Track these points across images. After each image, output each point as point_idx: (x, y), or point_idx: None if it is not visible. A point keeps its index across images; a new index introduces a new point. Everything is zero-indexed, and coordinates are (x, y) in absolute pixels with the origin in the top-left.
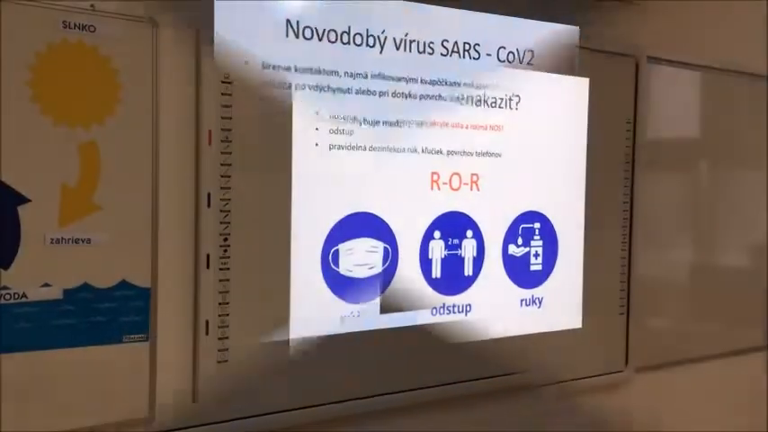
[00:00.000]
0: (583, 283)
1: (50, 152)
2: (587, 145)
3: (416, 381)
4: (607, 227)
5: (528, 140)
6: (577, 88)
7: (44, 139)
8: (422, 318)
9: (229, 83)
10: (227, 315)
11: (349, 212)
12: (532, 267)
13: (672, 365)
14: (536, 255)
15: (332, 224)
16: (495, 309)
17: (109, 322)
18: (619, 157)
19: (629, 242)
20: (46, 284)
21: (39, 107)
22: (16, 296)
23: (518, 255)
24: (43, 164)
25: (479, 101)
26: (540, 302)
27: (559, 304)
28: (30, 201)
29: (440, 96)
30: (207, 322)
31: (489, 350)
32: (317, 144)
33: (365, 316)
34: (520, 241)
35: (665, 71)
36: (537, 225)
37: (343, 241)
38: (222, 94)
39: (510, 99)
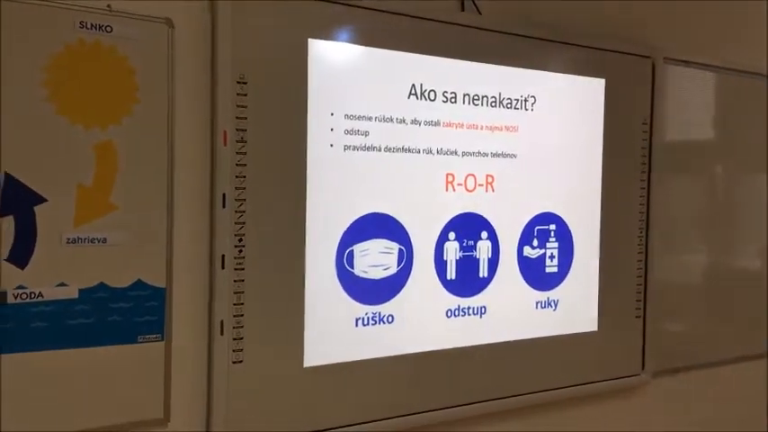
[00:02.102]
0: (599, 286)
1: (67, 152)
2: (603, 146)
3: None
4: (623, 229)
5: (543, 141)
6: (593, 89)
7: (60, 139)
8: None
9: (245, 83)
10: (242, 315)
11: (364, 213)
12: (548, 269)
13: (689, 369)
14: (551, 257)
15: (347, 225)
16: (510, 311)
17: (124, 322)
18: (635, 159)
19: (645, 244)
20: (62, 284)
21: (55, 107)
22: (32, 295)
23: (533, 256)
24: (59, 164)
25: (495, 102)
26: (555, 305)
27: (575, 307)
28: (46, 200)
29: (455, 97)
30: (222, 322)
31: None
32: (331, 145)
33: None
34: (535, 243)
35: (682, 72)
36: (552, 227)
37: (358, 242)
38: (237, 94)
39: (525, 100)
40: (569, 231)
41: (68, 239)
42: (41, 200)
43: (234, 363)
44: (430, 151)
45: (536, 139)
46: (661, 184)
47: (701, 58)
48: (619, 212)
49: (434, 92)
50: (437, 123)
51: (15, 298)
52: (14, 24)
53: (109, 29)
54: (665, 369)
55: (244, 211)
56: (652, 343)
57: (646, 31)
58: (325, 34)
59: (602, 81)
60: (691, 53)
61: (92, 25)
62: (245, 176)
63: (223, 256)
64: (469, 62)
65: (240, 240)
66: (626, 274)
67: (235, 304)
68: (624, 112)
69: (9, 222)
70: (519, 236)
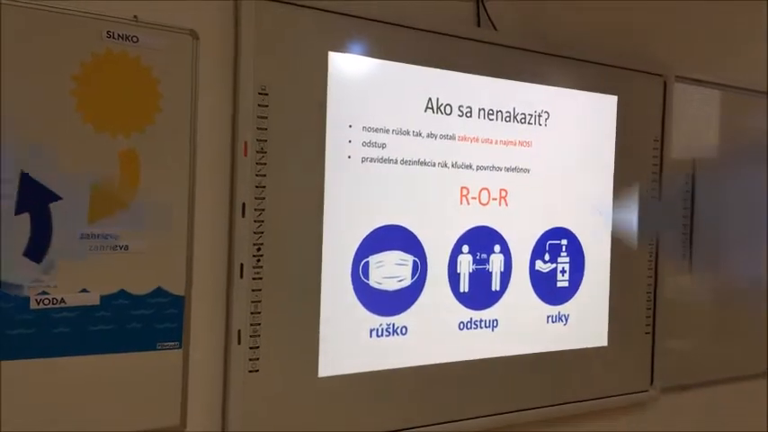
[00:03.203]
0: (609, 301)
1: (90, 158)
2: (615, 162)
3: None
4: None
5: (556, 156)
6: (606, 106)
7: (85, 145)
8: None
9: (266, 94)
10: (259, 325)
11: (379, 225)
12: (559, 284)
13: (698, 386)
14: (563, 271)
15: (363, 236)
16: (521, 325)
17: (144, 329)
18: (646, 176)
19: (655, 260)
20: (84, 290)
21: (82, 115)
22: (55, 301)
23: (545, 271)
24: (82, 169)
25: (509, 117)
26: (566, 319)
27: (585, 321)
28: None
29: (470, 112)
30: (239, 332)
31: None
32: (349, 156)
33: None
34: (547, 257)
35: (694, 90)
36: (564, 242)
37: (374, 253)
38: (259, 105)
39: (539, 115)
40: (581, 246)
41: (91, 247)
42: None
43: (250, 372)
44: (445, 164)
45: (549, 154)
46: (672, 202)
47: (713, 77)
48: (629, 229)
49: (450, 106)
50: (452, 137)
51: (38, 303)
52: (45, 33)
53: (135, 39)
54: (674, 385)
55: (263, 221)
56: (661, 359)
57: (658, 49)
58: (345, 47)
59: (615, 98)
60: (702, 72)
61: (119, 35)
62: (264, 186)
63: (242, 265)
64: (485, 77)
65: (258, 250)
66: (636, 289)
67: (252, 313)
68: (636, 128)
69: (25, 220)
70: (531, 250)
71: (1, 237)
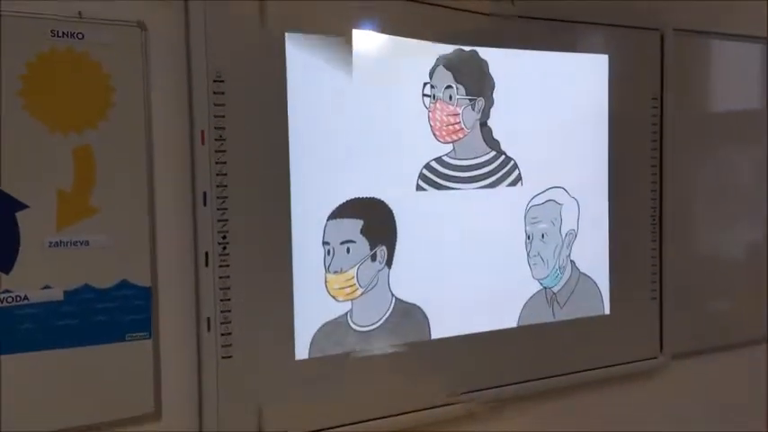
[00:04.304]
0: (609, 269)
1: (45, 158)
2: (610, 125)
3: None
4: (634, 211)
5: (545, 121)
6: (595, 66)
7: (38, 145)
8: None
9: (222, 81)
10: (230, 311)
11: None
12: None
13: (711, 351)
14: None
15: (331, 212)
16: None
17: (110, 321)
18: (645, 137)
19: (659, 225)
20: (47, 286)
21: (30, 114)
22: (18, 299)
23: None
24: (46, 175)
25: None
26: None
27: (584, 291)
28: (28, 207)
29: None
30: (208, 319)
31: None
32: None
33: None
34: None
35: (695, 43)
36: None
37: None
38: (214, 93)
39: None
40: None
41: (50, 243)
42: (23, 206)
43: (223, 358)
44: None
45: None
46: (674, 163)
47: (715, 27)
48: (629, 193)
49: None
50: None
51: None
52: None
53: (80, 35)
54: (685, 351)
55: (226, 209)
56: (670, 325)
57: (652, 2)
58: (302, 27)
59: (605, 57)
60: (703, 22)
61: (63, 33)
62: (226, 174)
63: (206, 253)
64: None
65: (224, 237)
66: (638, 256)
67: (222, 300)
68: (631, 88)
69: None
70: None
71: None
